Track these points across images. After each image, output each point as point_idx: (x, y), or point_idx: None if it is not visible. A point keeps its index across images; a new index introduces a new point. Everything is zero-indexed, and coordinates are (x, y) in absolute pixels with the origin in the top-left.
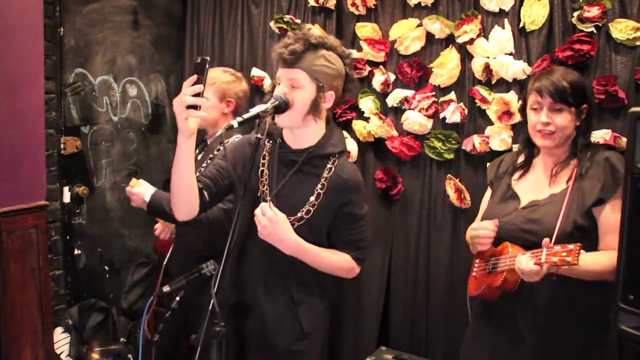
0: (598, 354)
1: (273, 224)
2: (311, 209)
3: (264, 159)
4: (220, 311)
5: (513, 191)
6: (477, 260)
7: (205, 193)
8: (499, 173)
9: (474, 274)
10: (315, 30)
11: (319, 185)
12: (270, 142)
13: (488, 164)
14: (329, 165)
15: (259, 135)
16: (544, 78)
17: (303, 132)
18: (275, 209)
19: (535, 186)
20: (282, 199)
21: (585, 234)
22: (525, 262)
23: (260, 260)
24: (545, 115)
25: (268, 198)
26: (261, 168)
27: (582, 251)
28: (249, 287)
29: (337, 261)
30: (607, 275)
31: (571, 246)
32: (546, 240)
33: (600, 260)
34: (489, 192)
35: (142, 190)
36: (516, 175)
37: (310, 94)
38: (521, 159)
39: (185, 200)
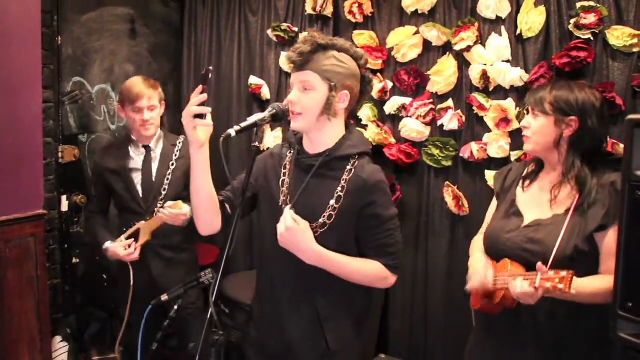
0: None
1: (291, 232)
2: (333, 213)
3: (284, 168)
4: (219, 320)
5: (517, 208)
6: None
7: (227, 206)
8: (505, 185)
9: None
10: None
11: (339, 188)
12: (291, 152)
13: (487, 171)
14: (348, 167)
15: (256, 144)
16: (534, 91)
17: (319, 136)
18: (296, 216)
19: (538, 204)
20: (302, 205)
21: (585, 259)
22: (519, 285)
23: (285, 274)
24: (525, 120)
25: (289, 206)
26: (282, 178)
27: (575, 278)
28: (273, 302)
29: (366, 269)
30: (602, 299)
31: (564, 273)
32: (540, 264)
33: (595, 285)
34: (494, 203)
35: (188, 209)
36: (526, 184)
37: (322, 94)
38: (531, 168)
39: (207, 213)
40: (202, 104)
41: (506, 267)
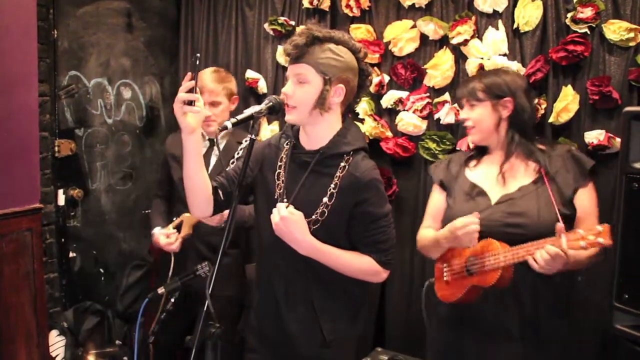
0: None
1: (285, 222)
2: (325, 210)
3: (281, 160)
4: (215, 312)
5: (479, 188)
6: (443, 265)
7: (220, 192)
8: (451, 173)
9: (445, 278)
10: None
11: (332, 185)
12: (288, 143)
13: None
14: (342, 164)
15: (253, 136)
16: (462, 84)
17: (314, 130)
18: (291, 208)
19: (497, 181)
20: (296, 201)
21: (569, 222)
22: (551, 249)
23: (281, 266)
24: (463, 113)
25: (285, 201)
26: (278, 170)
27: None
28: (270, 292)
29: (357, 263)
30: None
31: (600, 227)
32: (560, 226)
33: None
34: (437, 192)
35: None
36: (471, 164)
37: (316, 88)
38: (472, 151)
39: (198, 198)
40: (191, 91)
41: (492, 246)
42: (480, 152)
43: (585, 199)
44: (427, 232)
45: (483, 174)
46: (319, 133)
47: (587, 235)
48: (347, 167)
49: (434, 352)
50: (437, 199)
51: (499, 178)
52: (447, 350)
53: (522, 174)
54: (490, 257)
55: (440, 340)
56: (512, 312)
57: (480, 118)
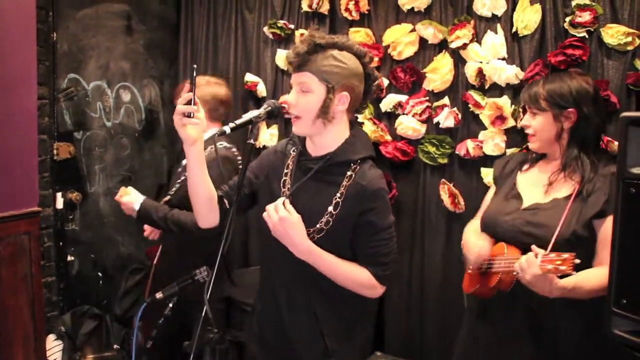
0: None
1: (284, 222)
2: (330, 219)
3: (287, 168)
4: (213, 317)
5: (517, 191)
6: None
7: (225, 201)
8: (505, 171)
9: (469, 270)
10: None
11: (338, 194)
12: (295, 150)
13: (482, 169)
14: (349, 173)
15: (251, 141)
16: (527, 87)
17: (321, 139)
18: (290, 207)
19: (537, 188)
20: (301, 208)
21: (583, 244)
22: (524, 264)
23: (283, 272)
24: (525, 119)
25: (282, 198)
26: (284, 177)
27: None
28: (272, 300)
29: (353, 274)
30: (599, 294)
31: (566, 255)
32: (533, 247)
33: (593, 282)
34: (492, 189)
35: (131, 199)
36: (525, 167)
37: (319, 96)
38: (532, 155)
39: (203, 208)
40: (189, 102)
41: (502, 251)
42: (538, 156)
43: (611, 228)
44: (470, 230)
45: (530, 178)
46: (325, 142)
47: (556, 260)
48: (353, 175)
49: (460, 339)
50: (487, 197)
51: (544, 186)
52: (466, 338)
53: (564, 187)
54: (498, 261)
55: (464, 327)
56: (520, 316)
57: (541, 127)
